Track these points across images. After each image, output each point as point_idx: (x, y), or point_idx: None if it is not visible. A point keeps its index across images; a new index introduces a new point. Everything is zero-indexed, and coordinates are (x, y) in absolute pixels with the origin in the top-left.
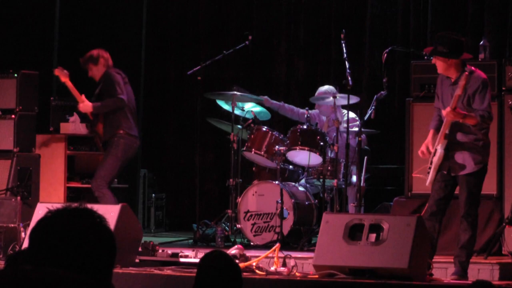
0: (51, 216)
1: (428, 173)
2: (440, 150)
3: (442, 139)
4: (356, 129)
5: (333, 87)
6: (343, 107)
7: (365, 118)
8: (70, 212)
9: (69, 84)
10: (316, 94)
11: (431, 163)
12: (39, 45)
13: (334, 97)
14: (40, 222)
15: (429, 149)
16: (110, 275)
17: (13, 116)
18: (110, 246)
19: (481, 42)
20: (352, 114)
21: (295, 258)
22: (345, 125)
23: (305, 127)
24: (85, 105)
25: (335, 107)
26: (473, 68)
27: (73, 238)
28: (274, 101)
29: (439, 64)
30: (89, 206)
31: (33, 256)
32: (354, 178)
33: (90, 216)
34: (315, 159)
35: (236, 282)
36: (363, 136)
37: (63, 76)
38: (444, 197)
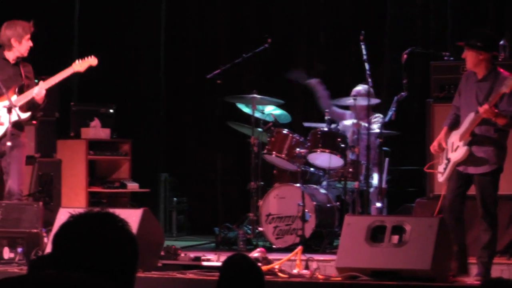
0: (73, 221)
1: (445, 169)
2: (463, 146)
3: (467, 136)
4: (378, 130)
5: (367, 86)
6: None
7: (386, 119)
8: (93, 217)
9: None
10: (352, 93)
11: (447, 159)
12: (58, 51)
13: (355, 99)
14: (63, 227)
15: (442, 146)
16: (133, 279)
17: (33, 121)
18: (133, 250)
19: (501, 42)
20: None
21: (318, 260)
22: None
23: (325, 129)
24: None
25: (369, 108)
26: (501, 69)
27: (95, 242)
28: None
29: (470, 58)
30: (111, 210)
31: (56, 261)
32: (375, 180)
33: (112, 221)
34: (336, 161)
35: (259, 285)
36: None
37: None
38: (459, 194)
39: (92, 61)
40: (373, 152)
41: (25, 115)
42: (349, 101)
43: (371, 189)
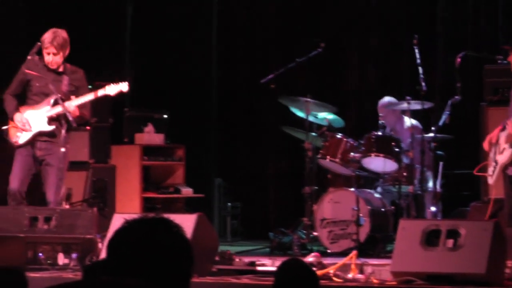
0: (128, 226)
1: (493, 171)
2: (509, 148)
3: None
4: (432, 134)
5: (394, 98)
6: (417, 112)
7: (440, 123)
8: (147, 222)
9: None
10: (380, 105)
11: (495, 162)
12: (111, 57)
13: (408, 103)
14: (117, 232)
15: (492, 141)
16: (187, 285)
17: (88, 127)
18: (187, 255)
19: None
20: (414, 121)
21: (372, 265)
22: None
23: (379, 133)
24: None
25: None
26: None
27: (150, 248)
28: None
29: None
30: (166, 216)
31: (110, 267)
32: (430, 184)
33: (167, 226)
34: (390, 165)
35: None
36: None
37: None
38: None
39: (123, 87)
40: (427, 156)
41: (49, 128)
42: (403, 105)
43: (426, 193)
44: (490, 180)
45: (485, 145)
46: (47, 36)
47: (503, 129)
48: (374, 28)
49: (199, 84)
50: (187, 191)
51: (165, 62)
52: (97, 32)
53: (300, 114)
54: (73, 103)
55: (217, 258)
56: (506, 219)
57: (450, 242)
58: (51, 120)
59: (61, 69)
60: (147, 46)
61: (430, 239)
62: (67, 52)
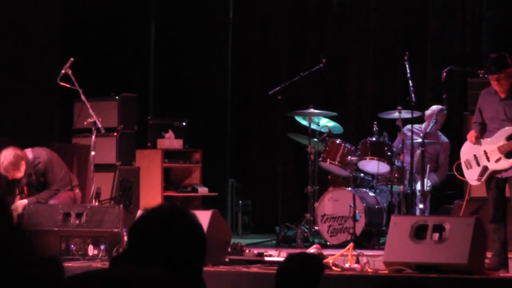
0: (146, 215)
1: (481, 175)
2: (508, 159)
3: (507, 148)
4: (420, 140)
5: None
6: (408, 121)
7: (428, 130)
8: (164, 210)
9: None
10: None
11: (481, 167)
12: (137, 70)
13: (400, 112)
14: (137, 221)
15: (478, 139)
16: (201, 269)
17: (115, 134)
18: (201, 240)
19: None
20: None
21: (367, 255)
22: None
23: (374, 139)
24: None
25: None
26: None
27: (166, 234)
28: None
29: (504, 81)
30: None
31: (132, 253)
32: (418, 184)
33: (182, 214)
34: (383, 167)
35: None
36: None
37: None
38: (500, 198)
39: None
40: (416, 159)
41: None
42: (395, 114)
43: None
44: (475, 182)
45: (471, 138)
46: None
47: (480, 135)
48: (371, 46)
49: (215, 95)
50: (203, 190)
51: (184, 76)
52: (124, 50)
53: (304, 122)
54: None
55: (229, 250)
56: (489, 216)
57: (436, 236)
58: None
59: None
60: (169, 62)
61: (419, 233)
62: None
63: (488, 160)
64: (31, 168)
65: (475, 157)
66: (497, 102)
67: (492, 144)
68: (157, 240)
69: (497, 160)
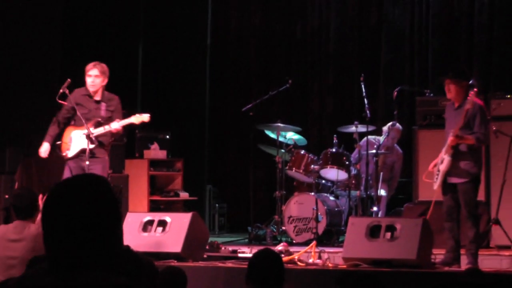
0: (57, 185)
1: (436, 179)
2: (447, 158)
3: (450, 150)
4: (374, 151)
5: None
6: (364, 134)
7: (381, 142)
8: (74, 178)
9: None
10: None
11: (438, 171)
12: (125, 89)
13: (356, 126)
14: (48, 196)
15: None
16: (119, 228)
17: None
18: (112, 197)
19: (471, 81)
20: (371, 138)
21: (328, 252)
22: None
23: (334, 150)
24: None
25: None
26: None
27: (80, 199)
28: None
29: (454, 88)
30: (167, 214)
31: (47, 225)
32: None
33: (91, 179)
34: (342, 175)
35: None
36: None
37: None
38: (453, 200)
39: (145, 118)
40: (371, 168)
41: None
42: (352, 128)
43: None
44: (435, 186)
45: (430, 167)
46: (90, 64)
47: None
48: (331, 68)
49: (195, 111)
50: (184, 195)
51: (168, 93)
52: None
53: (272, 135)
54: (120, 124)
55: (207, 247)
56: (444, 216)
57: (388, 235)
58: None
59: (98, 98)
60: (154, 81)
61: (373, 232)
62: (106, 80)
63: (441, 163)
64: (106, 100)
65: (438, 164)
66: (452, 112)
67: (444, 150)
68: (70, 202)
69: (443, 161)
